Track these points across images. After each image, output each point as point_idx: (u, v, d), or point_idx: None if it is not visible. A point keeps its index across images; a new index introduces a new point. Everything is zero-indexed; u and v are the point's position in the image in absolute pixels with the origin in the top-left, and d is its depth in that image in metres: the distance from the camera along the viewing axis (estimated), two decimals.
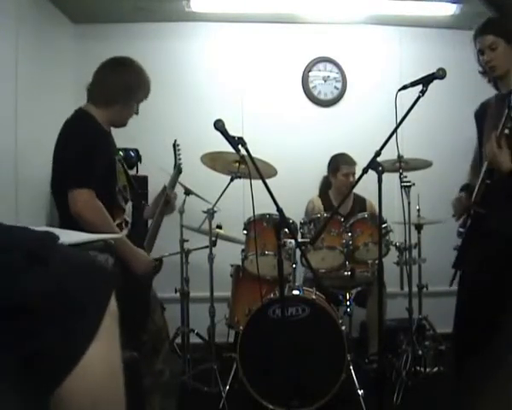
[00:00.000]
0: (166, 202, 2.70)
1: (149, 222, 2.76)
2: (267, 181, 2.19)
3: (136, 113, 2.50)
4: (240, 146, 2.23)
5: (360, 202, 4.01)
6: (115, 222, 2.32)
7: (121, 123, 2.49)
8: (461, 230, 2.48)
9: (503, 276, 2.27)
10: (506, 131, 2.21)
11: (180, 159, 3.10)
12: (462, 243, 2.44)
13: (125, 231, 2.37)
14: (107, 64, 2.45)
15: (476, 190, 2.38)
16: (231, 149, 2.28)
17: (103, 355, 0.63)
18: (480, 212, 2.33)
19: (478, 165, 2.52)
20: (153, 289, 2.59)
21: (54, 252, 0.64)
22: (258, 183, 2.21)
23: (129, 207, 2.43)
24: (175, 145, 3.13)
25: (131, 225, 2.44)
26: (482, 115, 2.55)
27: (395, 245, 3.49)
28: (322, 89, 4.61)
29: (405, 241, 3.32)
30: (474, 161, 2.63)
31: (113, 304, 0.65)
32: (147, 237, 2.57)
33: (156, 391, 2.42)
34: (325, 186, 4.17)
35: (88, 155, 2.24)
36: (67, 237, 1.37)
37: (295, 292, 3.15)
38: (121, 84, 2.39)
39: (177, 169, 3.01)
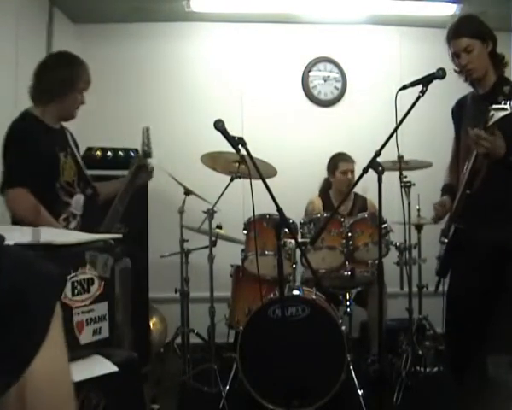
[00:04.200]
0: (138, 168, 2.58)
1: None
2: (267, 181, 2.19)
3: (83, 102, 2.51)
4: (240, 146, 2.24)
5: (360, 201, 4.01)
6: (61, 216, 2.37)
7: (68, 116, 2.52)
8: (443, 239, 2.47)
9: (488, 284, 2.28)
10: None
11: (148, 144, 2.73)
12: (445, 253, 2.44)
13: (74, 224, 2.42)
14: (43, 62, 2.50)
15: (457, 200, 2.36)
16: (231, 149, 2.28)
17: (50, 356, 0.62)
18: (460, 227, 2.33)
19: (455, 165, 2.52)
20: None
21: (1, 256, 0.63)
22: (258, 183, 2.21)
23: (77, 200, 2.46)
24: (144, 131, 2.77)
25: (83, 216, 2.47)
26: (458, 114, 2.52)
27: (395, 245, 3.48)
28: (322, 89, 4.61)
29: (405, 241, 3.31)
30: (452, 161, 2.63)
31: (58, 306, 0.64)
32: (109, 212, 2.51)
33: None
34: (325, 187, 4.16)
35: (21, 155, 2.29)
36: (67, 237, 1.37)
37: (295, 292, 3.14)
38: (56, 80, 2.41)
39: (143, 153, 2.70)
